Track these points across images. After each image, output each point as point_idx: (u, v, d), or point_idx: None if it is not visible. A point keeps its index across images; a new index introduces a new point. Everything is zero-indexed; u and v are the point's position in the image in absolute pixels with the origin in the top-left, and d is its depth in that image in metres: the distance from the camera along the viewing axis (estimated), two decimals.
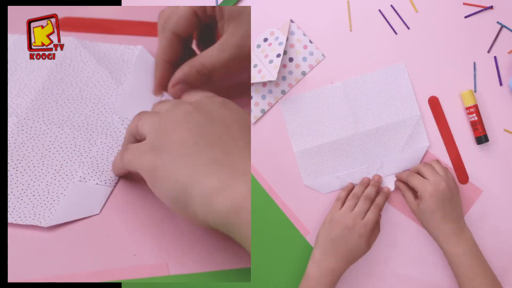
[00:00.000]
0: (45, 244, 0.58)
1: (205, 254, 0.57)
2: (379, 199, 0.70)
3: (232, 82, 0.71)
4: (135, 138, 0.59)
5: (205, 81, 0.64)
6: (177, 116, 0.55)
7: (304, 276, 0.69)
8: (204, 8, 0.62)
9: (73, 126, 0.67)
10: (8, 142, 0.65)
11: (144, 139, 0.57)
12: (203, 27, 0.67)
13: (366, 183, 0.72)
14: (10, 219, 0.59)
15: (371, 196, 0.70)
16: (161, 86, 0.66)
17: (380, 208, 0.70)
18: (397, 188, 0.72)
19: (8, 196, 0.61)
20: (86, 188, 0.62)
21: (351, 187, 0.72)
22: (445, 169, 0.69)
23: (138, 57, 0.74)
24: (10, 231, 0.59)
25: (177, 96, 0.64)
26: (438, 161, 0.70)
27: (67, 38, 0.73)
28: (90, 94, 0.70)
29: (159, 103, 0.61)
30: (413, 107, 0.72)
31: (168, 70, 0.65)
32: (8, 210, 0.60)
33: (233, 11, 0.62)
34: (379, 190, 0.72)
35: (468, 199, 0.73)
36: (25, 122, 0.66)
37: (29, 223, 0.59)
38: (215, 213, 0.49)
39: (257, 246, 0.74)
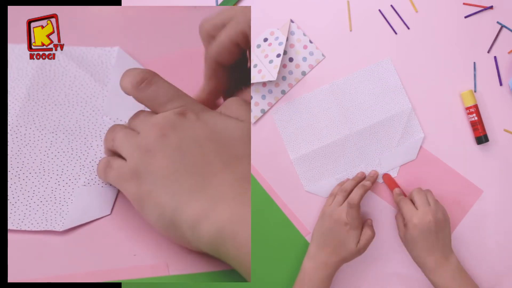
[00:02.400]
0: (45, 244, 0.58)
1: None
2: (365, 182, 0.70)
3: None
4: (113, 152, 0.59)
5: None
6: (154, 141, 0.55)
7: (300, 270, 0.69)
8: (246, 37, 0.61)
9: (66, 130, 0.67)
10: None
11: (119, 151, 0.58)
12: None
13: (359, 178, 0.72)
14: (23, 227, 0.59)
15: (355, 203, 0.68)
16: (212, 87, 0.66)
17: (366, 188, 0.69)
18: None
19: (16, 204, 0.61)
20: (93, 190, 0.62)
21: (346, 181, 0.72)
22: (435, 200, 0.68)
23: (117, 59, 0.74)
24: (10, 231, 0.59)
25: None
26: (431, 192, 0.70)
27: None
28: (76, 97, 0.70)
29: (135, 118, 0.59)
30: (403, 101, 0.72)
31: (216, 94, 0.67)
32: (19, 217, 0.60)
33: None
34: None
35: (468, 199, 0.73)
36: (18, 130, 0.66)
37: (42, 229, 0.59)
38: (202, 240, 0.50)
39: (257, 246, 0.74)
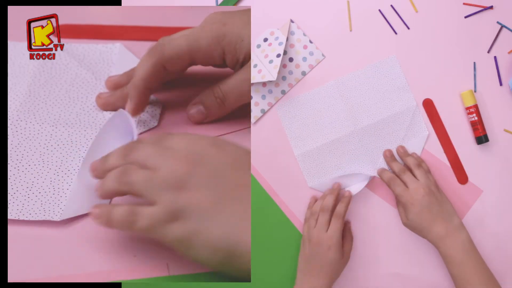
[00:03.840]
0: (45, 244, 0.58)
1: None
2: (338, 208, 0.69)
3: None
4: (121, 194, 0.54)
5: (219, 104, 0.66)
6: (182, 174, 0.51)
7: None
8: (204, 54, 0.64)
9: (66, 124, 0.68)
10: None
11: (138, 195, 0.52)
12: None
13: (325, 195, 0.72)
14: (21, 217, 0.59)
15: (328, 207, 0.69)
16: (139, 110, 0.65)
17: (341, 216, 0.69)
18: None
19: (15, 194, 0.61)
20: (92, 181, 0.62)
21: (313, 203, 0.72)
22: (425, 173, 0.69)
23: (119, 55, 0.74)
24: (10, 230, 0.59)
25: (197, 118, 0.67)
26: (416, 165, 0.69)
27: None
28: (77, 94, 0.71)
29: (137, 152, 0.54)
30: (408, 98, 0.72)
31: (147, 96, 0.66)
32: (18, 208, 0.60)
33: (247, 52, 0.64)
34: (339, 197, 0.72)
35: (468, 199, 0.73)
36: (18, 124, 0.67)
37: (40, 219, 0.59)
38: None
39: (257, 246, 0.74)
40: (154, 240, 0.52)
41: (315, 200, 0.73)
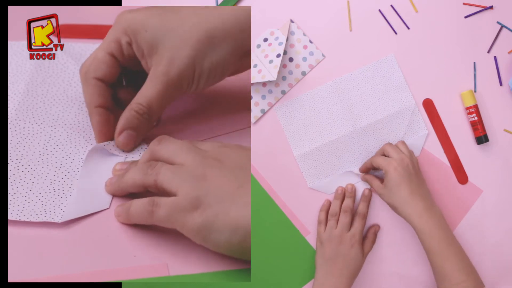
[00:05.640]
0: (45, 244, 0.58)
1: (205, 254, 0.56)
2: (361, 207, 0.71)
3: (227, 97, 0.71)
4: (143, 189, 0.57)
5: (147, 118, 0.62)
6: (208, 168, 0.54)
7: None
8: (120, 49, 0.62)
9: (65, 124, 0.68)
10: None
11: (162, 191, 0.55)
12: (129, 67, 0.65)
13: (340, 195, 0.72)
14: (22, 218, 0.59)
15: (350, 207, 0.70)
16: (102, 133, 0.64)
17: (365, 215, 0.71)
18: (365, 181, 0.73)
19: (15, 195, 0.61)
20: (93, 182, 0.62)
21: (328, 205, 0.73)
22: (410, 150, 0.69)
23: None
24: (10, 230, 0.59)
25: (127, 144, 0.63)
26: (403, 142, 0.70)
27: None
28: (75, 93, 0.71)
29: (163, 150, 0.58)
30: (407, 97, 0.73)
31: (104, 114, 0.63)
32: (18, 208, 0.60)
33: (151, 44, 0.61)
34: (356, 197, 0.73)
35: (468, 199, 0.73)
36: (17, 123, 0.67)
37: (41, 220, 0.59)
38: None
39: (257, 246, 0.74)
40: (173, 229, 0.55)
41: (329, 202, 0.73)
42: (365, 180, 0.72)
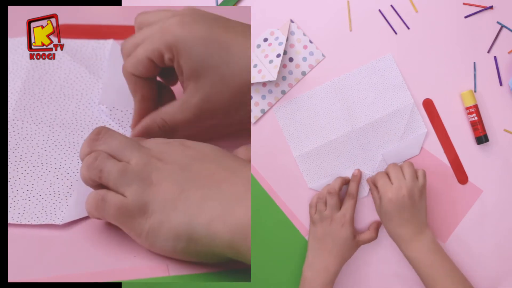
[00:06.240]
0: (45, 244, 0.58)
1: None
2: (351, 186, 0.71)
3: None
4: (95, 182, 0.56)
5: (165, 132, 0.63)
6: (153, 170, 0.54)
7: (300, 280, 0.70)
8: (161, 60, 0.60)
9: (63, 124, 0.67)
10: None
11: (107, 185, 0.55)
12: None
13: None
14: (23, 221, 0.59)
15: (335, 189, 0.69)
16: (136, 122, 0.64)
17: (354, 194, 0.70)
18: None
19: (15, 198, 0.61)
20: None
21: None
22: (414, 174, 0.67)
23: (111, 52, 0.74)
24: (10, 230, 0.59)
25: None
26: (410, 164, 0.68)
27: None
28: (71, 90, 0.71)
29: (106, 142, 0.56)
30: (406, 96, 0.73)
31: (144, 103, 0.63)
32: (19, 211, 0.60)
33: (191, 72, 0.60)
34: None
35: (468, 199, 0.73)
36: (15, 124, 0.66)
37: (43, 223, 0.59)
38: (222, 243, 0.50)
39: (257, 246, 0.74)
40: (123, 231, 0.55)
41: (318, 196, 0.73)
42: (369, 186, 0.71)
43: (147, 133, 0.63)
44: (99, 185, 0.56)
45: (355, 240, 0.70)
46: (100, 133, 0.57)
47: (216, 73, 0.60)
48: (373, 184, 0.70)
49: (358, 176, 0.72)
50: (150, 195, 0.53)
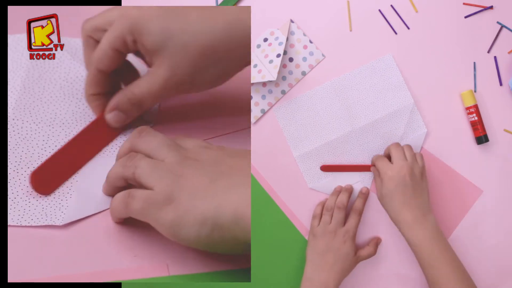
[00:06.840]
0: (45, 244, 0.58)
1: (205, 254, 0.57)
2: (357, 203, 0.71)
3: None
4: (126, 182, 0.57)
5: (137, 107, 0.64)
6: (186, 166, 0.55)
7: None
8: (125, 45, 0.61)
9: (63, 123, 0.67)
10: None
11: (140, 185, 0.55)
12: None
13: (338, 192, 0.72)
14: (23, 222, 0.58)
15: (344, 204, 0.70)
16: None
17: (360, 212, 0.71)
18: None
19: (15, 199, 0.60)
20: (93, 184, 0.62)
21: (325, 201, 0.73)
22: (414, 155, 0.68)
23: None
24: (10, 230, 0.59)
25: (116, 122, 0.65)
26: (410, 147, 0.69)
27: None
28: (71, 90, 0.70)
29: (145, 143, 0.58)
30: (406, 96, 0.73)
31: (100, 99, 0.65)
32: (19, 213, 0.59)
33: (154, 47, 0.61)
34: (353, 196, 0.73)
35: (468, 199, 0.73)
36: (15, 123, 0.66)
37: (43, 224, 0.58)
38: (246, 229, 0.50)
39: (257, 246, 0.74)
40: (148, 223, 0.55)
41: (326, 199, 0.73)
42: (374, 173, 0.72)
43: (120, 108, 0.64)
44: (123, 188, 0.57)
45: (356, 256, 0.70)
46: (143, 132, 0.58)
47: (177, 42, 0.61)
48: (373, 164, 0.70)
49: (366, 194, 0.72)
50: (178, 186, 0.53)
